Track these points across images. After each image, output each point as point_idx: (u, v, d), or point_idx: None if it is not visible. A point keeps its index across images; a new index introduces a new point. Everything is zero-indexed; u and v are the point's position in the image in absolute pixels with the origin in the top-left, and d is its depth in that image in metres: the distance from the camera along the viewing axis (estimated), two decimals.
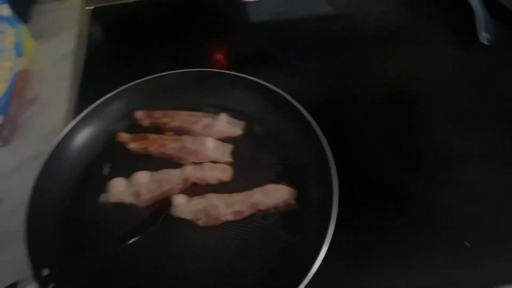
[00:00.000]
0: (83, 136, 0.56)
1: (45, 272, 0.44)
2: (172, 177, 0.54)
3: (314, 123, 0.53)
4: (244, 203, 0.51)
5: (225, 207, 0.51)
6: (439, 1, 0.77)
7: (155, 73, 0.61)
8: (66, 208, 0.52)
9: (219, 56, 0.72)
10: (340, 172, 0.49)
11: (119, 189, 0.52)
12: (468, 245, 0.48)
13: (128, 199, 0.52)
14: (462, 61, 0.69)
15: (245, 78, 0.59)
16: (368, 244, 0.49)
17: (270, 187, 0.52)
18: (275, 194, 0.52)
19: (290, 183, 0.53)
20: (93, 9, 0.82)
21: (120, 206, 0.52)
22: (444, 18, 0.75)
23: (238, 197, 0.52)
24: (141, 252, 0.48)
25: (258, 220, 0.50)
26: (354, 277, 0.47)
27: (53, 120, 0.64)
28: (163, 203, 0.51)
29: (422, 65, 0.68)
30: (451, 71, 0.67)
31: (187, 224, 0.50)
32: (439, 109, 0.62)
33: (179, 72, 0.61)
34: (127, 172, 0.54)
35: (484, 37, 0.69)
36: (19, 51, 0.68)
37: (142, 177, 0.53)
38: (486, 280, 0.45)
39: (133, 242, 0.48)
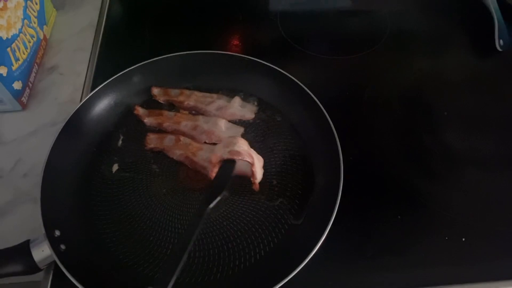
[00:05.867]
0: (101, 106, 0.58)
1: (57, 233, 0.46)
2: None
3: (326, 114, 0.54)
4: None
5: None
6: (460, 6, 0.78)
7: (171, 53, 0.62)
8: (80, 174, 0.53)
9: (237, 41, 0.73)
10: (348, 164, 0.50)
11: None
12: (463, 239, 0.49)
13: None
14: (477, 67, 0.70)
15: (262, 63, 0.60)
16: (367, 236, 0.51)
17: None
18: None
19: (297, 168, 0.54)
20: None
21: (132, 178, 0.54)
22: (464, 23, 0.75)
23: None
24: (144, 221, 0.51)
25: (263, 201, 0.52)
26: (350, 267, 0.48)
27: (71, 90, 0.65)
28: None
29: (437, 68, 0.68)
30: (466, 76, 0.67)
31: (194, 196, 0.52)
32: (451, 113, 0.62)
33: (198, 52, 0.62)
34: (139, 145, 0.56)
35: (498, 43, 0.69)
36: (41, 20, 0.69)
37: None
38: (480, 275, 0.47)
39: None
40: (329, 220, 0.45)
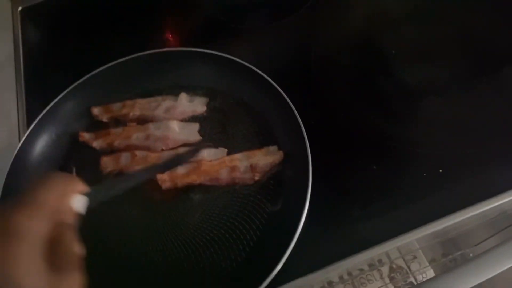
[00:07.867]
0: (42, 143, 0.54)
1: None
2: None
3: (275, 84, 0.52)
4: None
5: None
6: None
7: (103, 65, 0.58)
8: None
9: (166, 36, 0.69)
10: (311, 129, 0.49)
11: None
12: (440, 171, 0.49)
13: None
14: None
15: (198, 51, 0.57)
16: (349, 193, 0.50)
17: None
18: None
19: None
20: (23, 9, 0.75)
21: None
22: None
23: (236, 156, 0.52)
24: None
25: (238, 191, 0.50)
26: (340, 228, 0.48)
27: (6, 134, 0.60)
28: None
29: (378, 8, 0.66)
30: (408, 8, 0.65)
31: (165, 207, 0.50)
32: (399, 50, 0.61)
33: (128, 58, 0.58)
34: (95, 172, 0.52)
35: None
36: None
37: None
38: (463, 200, 0.47)
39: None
40: (306, 196, 0.44)
